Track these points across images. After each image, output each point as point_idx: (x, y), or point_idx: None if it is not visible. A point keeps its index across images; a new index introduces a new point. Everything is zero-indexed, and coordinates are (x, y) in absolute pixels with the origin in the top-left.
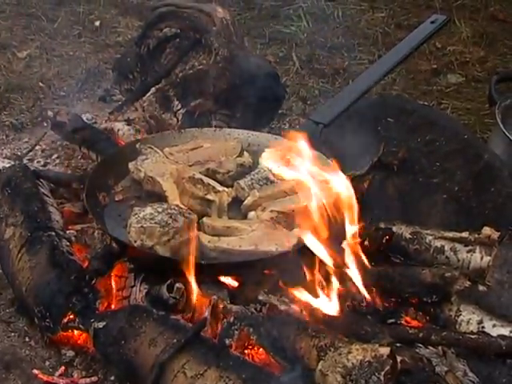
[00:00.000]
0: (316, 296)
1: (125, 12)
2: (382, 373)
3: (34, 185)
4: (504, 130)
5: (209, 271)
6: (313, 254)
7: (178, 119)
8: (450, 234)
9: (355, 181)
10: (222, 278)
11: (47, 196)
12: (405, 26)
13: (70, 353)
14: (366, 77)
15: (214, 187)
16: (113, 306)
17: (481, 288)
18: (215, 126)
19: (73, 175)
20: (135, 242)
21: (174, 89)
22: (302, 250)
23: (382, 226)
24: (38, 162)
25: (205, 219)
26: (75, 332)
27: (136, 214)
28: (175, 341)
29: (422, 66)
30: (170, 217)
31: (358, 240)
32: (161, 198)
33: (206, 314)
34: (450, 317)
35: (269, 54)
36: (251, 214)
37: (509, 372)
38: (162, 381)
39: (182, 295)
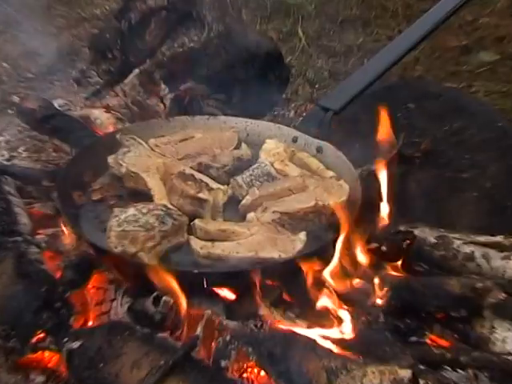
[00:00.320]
0: (326, 310)
1: None
2: None
3: None
4: None
5: (201, 282)
6: (322, 261)
7: (165, 105)
8: (482, 239)
9: (371, 177)
10: (217, 290)
11: (13, 195)
12: None
13: (40, 378)
14: (384, 55)
15: (207, 184)
16: (90, 323)
17: None
18: (208, 114)
19: (43, 171)
20: (116, 248)
21: (161, 70)
22: (310, 257)
23: (403, 228)
24: (2, 155)
25: (197, 221)
26: (46, 354)
27: (117, 215)
28: (162, 363)
29: (449, 43)
30: (157, 219)
31: (375, 245)
32: (146, 196)
33: (198, 331)
34: (482, 334)
35: (270, 29)
36: (250, 215)
37: None
38: None
39: (171, 310)
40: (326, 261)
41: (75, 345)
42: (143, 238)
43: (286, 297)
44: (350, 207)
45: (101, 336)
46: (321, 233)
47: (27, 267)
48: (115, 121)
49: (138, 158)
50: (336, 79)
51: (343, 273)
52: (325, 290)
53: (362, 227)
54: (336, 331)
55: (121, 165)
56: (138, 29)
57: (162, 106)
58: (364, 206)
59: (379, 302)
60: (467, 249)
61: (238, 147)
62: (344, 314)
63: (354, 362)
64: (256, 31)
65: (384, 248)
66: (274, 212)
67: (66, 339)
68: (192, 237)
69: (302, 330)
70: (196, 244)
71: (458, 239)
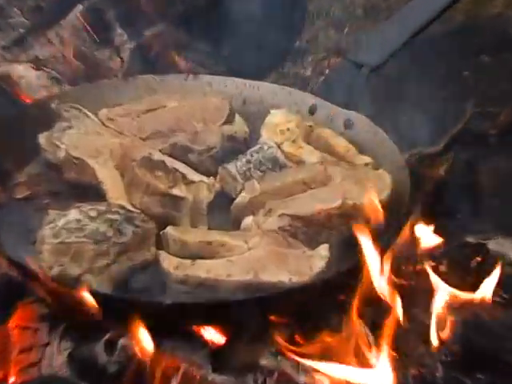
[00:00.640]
0: (357, 359)
1: None
2: None
3: None
4: None
5: (176, 317)
6: (352, 286)
7: (122, 59)
8: None
9: (424, 163)
10: (199, 330)
11: None
12: None
13: None
14: None
15: (184, 176)
16: (12, 379)
17: None
18: (186, 72)
19: None
20: (51, 268)
21: (116, 7)
22: (335, 282)
23: (471, 239)
24: None
25: (169, 230)
26: None
27: (52, 221)
28: None
29: None
30: (111, 226)
31: (431, 264)
32: (94, 193)
33: None
34: None
35: None
36: (248, 220)
37: None
38: None
39: (131, 359)
40: (358, 286)
41: None
42: (91, 253)
43: (299, 338)
44: (394, 208)
45: None
46: (350, 246)
47: None
48: (49, 82)
49: (82, 138)
50: (375, 20)
51: (383, 304)
52: (356, 328)
53: (411, 237)
54: None
55: (58, 147)
56: None
57: (117, 60)
58: (413, 206)
59: (437, 346)
60: None
61: (229, 121)
62: (384, 365)
63: None
64: None
65: (444, 268)
66: (281, 216)
67: None
68: (162, 252)
69: None
70: (168, 262)
71: None
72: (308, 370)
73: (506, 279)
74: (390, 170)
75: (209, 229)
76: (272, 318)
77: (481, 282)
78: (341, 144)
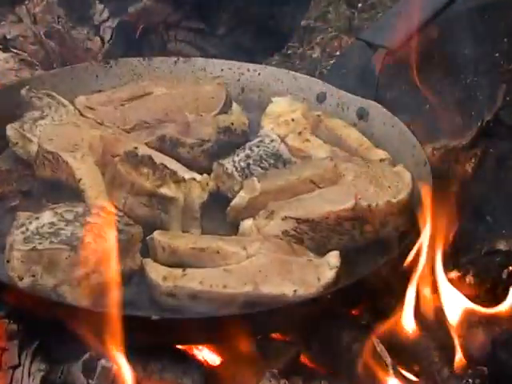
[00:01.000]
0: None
1: None
2: None
3: None
4: None
5: (165, 335)
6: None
7: (103, 39)
8: None
9: (449, 159)
10: (191, 350)
11: None
12: None
13: None
14: None
15: (174, 173)
16: None
17: None
18: (177, 54)
19: None
20: (21, 279)
21: None
22: (346, 295)
23: (502, 247)
24: None
25: (157, 235)
26: None
27: (23, 224)
28: None
29: None
30: (90, 230)
31: (456, 274)
32: (71, 193)
33: None
34: None
35: None
36: (247, 223)
37: None
38: None
39: (113, 382)
40: (373, 299)
41: None
42: (67, 262)
43: (305, 360)
44: (415, 209)
45: None
46: (364, 253)
47: None
48: (18, 65)
49: (57, 129)
50: None
51: (403, 319)
52: (372, 348)
53: (433, 243)
54: None
55: (29, 140)
56: None
57: (97, 40)
58: (437, 207)
59: (462, 367)
60: None
61: (225, 111)
62: None
63: None
64: None
65: (471, 278)
66: (285, 219)
67: None
68: (149, 260)
69: None
70: (156, 272)
71: None
72: None
73: None
74: (410, 166)
75: (202, 233)
76: (274, 335)
77: None
78: (353, 137)
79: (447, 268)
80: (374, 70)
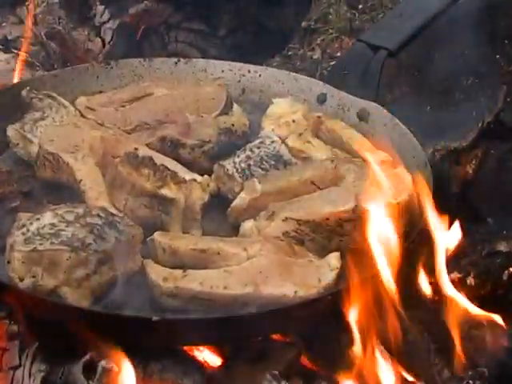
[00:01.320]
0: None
1: None
2: None
3: None
4: None
5: (165, 336)
6: (368, 301)
7: (103, 41)
8: None
9: (450, 161)
10: (191, 351)
11: None
12: None
13: None
14: None
15: (174, 174)
16: None
17: None
18: (178, 55)
19: None
20: (21, 280)
21: None
22: (347, 296)
23: (503, 247)
24: None
25: (158, 236)
26: None
27: (23, 225)
28: None
29: None
30: (91, 231)
31: (456, 275)
32: (72, 194)
33: None
34: None
35: None
36: (247, 224)
37: None
38: None
39: (113, 383)
40: (374, 301)
41: None
42: (68, 263)
43: (305, 361)
44: (415, 211)
45: None
46: (364, 254)
47: None
48: (19, 66)
49: (58, 130)
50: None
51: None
52: (372, 351)
53: (433, 244)
54: None
55: (30, 141)
56: None
57: (98, 41)
58: (437, 208)
59: (463, 370)
60: None
61: (226, 112)
62: None
63: None
64: None
65: (472, 280)
66: (286, 220)
67: None
68: (149, 261)
69: None
70: (156, 273)
71: None
72: None
73: None
74: (410, 168)
75: (203, 235)
76: (275, 336)
77: None
78: (354, 138)
79: (448, 269)
80: (374, 71)
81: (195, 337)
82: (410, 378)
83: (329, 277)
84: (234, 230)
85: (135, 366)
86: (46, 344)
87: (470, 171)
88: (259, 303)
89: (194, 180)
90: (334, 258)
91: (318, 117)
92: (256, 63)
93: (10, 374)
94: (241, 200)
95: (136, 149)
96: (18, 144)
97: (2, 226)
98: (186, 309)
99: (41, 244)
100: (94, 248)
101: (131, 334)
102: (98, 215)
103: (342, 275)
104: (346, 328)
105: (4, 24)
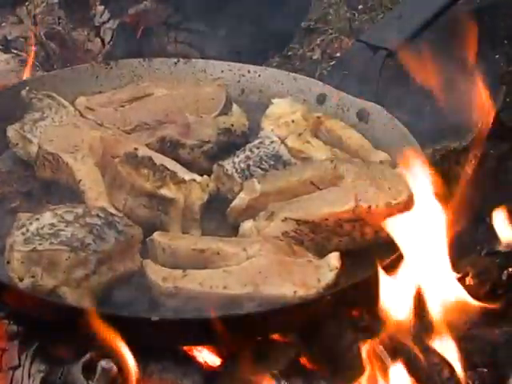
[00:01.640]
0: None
1: None
2: None
3: None
4: None
5: (165, 336)
6: (367, 301)
7: (103, 41)
8: None
9: (449, 161)
10: (191, 351)
11: None
12: None
13: None
14: None
15: (174, 174)
16: None
17: None
18: (177, 55)
19: None
20: (21, 280)
21: None
22: (346, 296)
23: (501, 248)
24: None
25: (157, 236)
26: None
27: (23, 225)
28: None
29: None
30: (90, 231)
31: (456, 275)
32: (71, 194)
33: None
34: None
35: None
36: (247, 225)
37: None
38: None
39: (113, 382)
40: (373, 301)
41: None
42: (67, 263)
43: (305, 361)
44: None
45: None
46: (364, 255)
47: None
48: (18, 66)
49: (58, 130)
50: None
51: (402, 322)
52: (372, 349)
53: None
54: None
55: (29, 141)
56: None
57: (97, 41)
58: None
59: (463, 371)
60: None
61: (225, 112)
62: None
63: None
64: None
65: (471, 280)
66: (285, 220)
67: None
68: (149, 261)
69: None
70: (156, 273)
71: None
72: None
73: None
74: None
75: (202, 235)
76: (274, 336)
77: None
78: (353, 138)
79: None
80: (374, 71)
81: (195, 337)
82: (411, 379)
83: (328, 277)
84: (234, 230)
85: (135, 366)
86: (46, 344)
87: (470, 171)
88: (259, 303)
89: (194, 180)
90: (333, 258)
91: (318, 117)
92: (255, 63)
93: (10, 374)
94: (240, 200)
95: (135, 149)
96: (17, 144)
97: (1, 225)
98: (185, 309)
99: (40, 244)
100: (93, 248)
101: (130, 334)
102: (98, 215)
103: (341, 275)
104: (345, 328)
105: (4, 24)
